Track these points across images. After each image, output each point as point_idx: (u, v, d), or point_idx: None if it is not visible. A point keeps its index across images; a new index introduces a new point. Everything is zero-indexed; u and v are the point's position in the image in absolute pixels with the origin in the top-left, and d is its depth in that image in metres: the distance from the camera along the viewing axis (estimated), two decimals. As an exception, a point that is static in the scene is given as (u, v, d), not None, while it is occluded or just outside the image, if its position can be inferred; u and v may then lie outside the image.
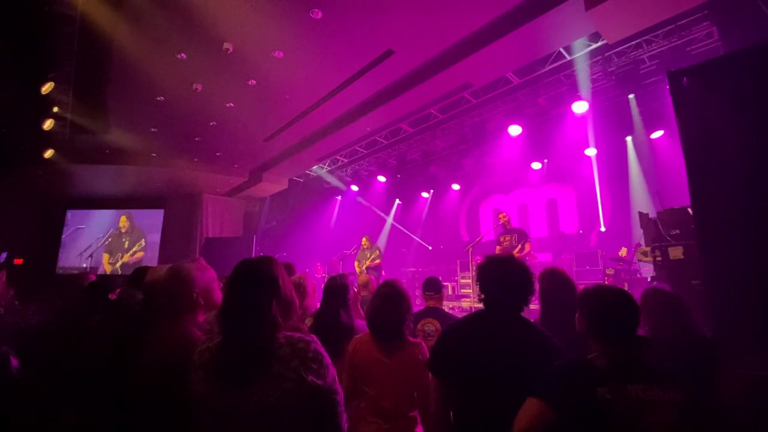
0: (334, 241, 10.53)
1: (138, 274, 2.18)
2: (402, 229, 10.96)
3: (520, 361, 1.41)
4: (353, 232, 10.24)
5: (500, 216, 5.69)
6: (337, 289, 2.25)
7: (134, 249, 9.75)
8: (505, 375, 1.41)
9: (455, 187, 9.99)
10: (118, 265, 9.64)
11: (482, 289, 1.57)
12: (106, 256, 9.74)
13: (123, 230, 9.92)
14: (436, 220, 10.78)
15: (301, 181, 10.46)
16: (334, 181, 10.30)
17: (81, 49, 4.16)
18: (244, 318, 1.19)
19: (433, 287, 2.64)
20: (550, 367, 1.28)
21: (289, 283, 1.29)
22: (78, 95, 4.96)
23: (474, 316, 1.59)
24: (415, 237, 10.72)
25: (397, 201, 11.30)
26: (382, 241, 10.78)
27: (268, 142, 7.44)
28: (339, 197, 11.17)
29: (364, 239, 6.74)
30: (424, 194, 10.59)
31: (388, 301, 1.83)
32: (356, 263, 6.76)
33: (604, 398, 1.18)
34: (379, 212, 10.83)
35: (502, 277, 1.53)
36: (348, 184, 10.24)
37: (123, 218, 9.96)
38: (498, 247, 5.69)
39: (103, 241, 9.73)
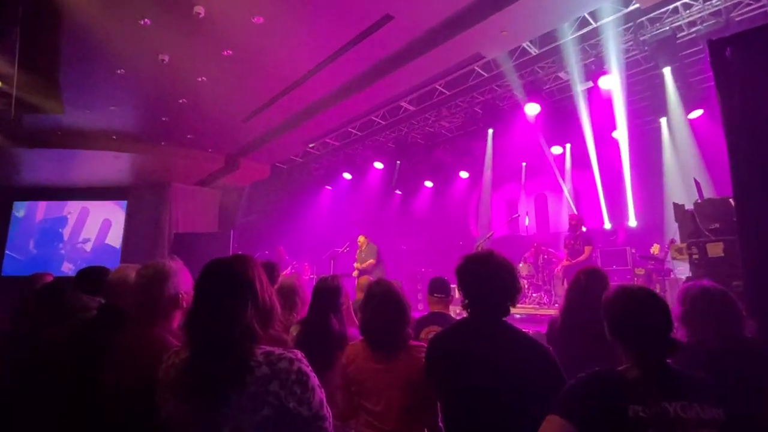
0: (324, 237, 10.52)
1: (89, 275, 2.09)
2: (402, 223, 11.09)
3: (504, 373, 1.42)
4: (346, 227, 10.26)
5: (571, 218, 5.96)
6: (327, 292, 2.25)
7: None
8: (488, 390, 1.42)
9: (463, 175, 10.05)
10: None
11: (463, 293, 1.58)
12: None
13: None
14: (441, 213, 10.82)
15: (286, 168, 10.45)
16: (319, 173, 10.31)
17: (26, 14, 4.10)
18: (213, 329, 1.17)
19: (439, 289, 2.65)
20: (575, 379, 1.24)
21: (269, 286, 1.28)
22: (24, 68, 4.87)
23: (459, 324, 1.62)
24: (417, 233, 10.96)
25: (397, 191, 11.35)
26: (380, 237, 10.76)
27: (247, 123, 7.39)
28: (329, 187, 11.14)
29: (360, 238, 6.78)
30: (428, 183, 10.54)
31: (382, 299, 1.84)
32: (356, 264, 6.85)
33: (638, 417, 1.14)
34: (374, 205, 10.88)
35: (479, 276, 1.54)
36: (340, 172, 10.23)
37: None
38: (565, 251, 6.01)
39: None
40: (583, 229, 6.13)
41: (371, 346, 1.82)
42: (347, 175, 10.09)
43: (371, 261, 6.54)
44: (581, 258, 5.62)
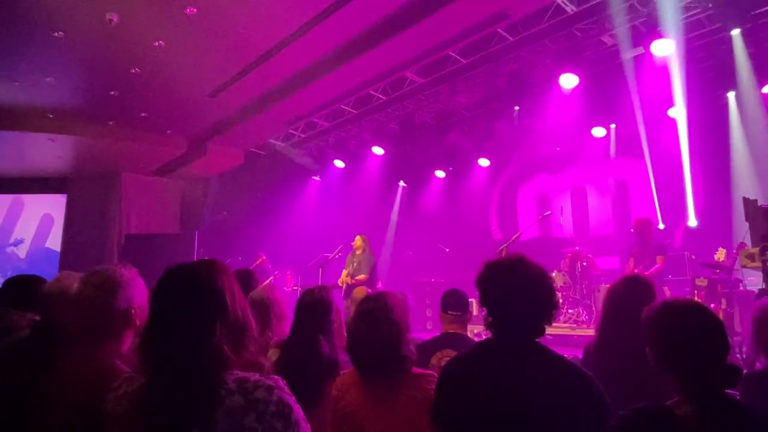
0: (310, 240, 10.58)
1: (19, 286, 2.08)
2: (408, 223, 11.13)
3: (542, 409, 1.40)
4: (338, 228, 10.27)
5: (638, 224, 6.07)
6: (314, 308, 2.27)
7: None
8: (523, 430, 1.41)
9: (483, 163, 10.08)
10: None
11: (487, 309, 1.59)
12: None
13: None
14: (456, 210, 10.84)
15: (264, 154, 10.47)
16: (304, 160, 10.36)
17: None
18: (174, 351, 1.18)
19: (455, 304, 2.68)
20: (617, 419, 1.25)
21: (242, 299, 1.29)
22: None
23: (480, 348, 1.62)
24: (426, 235, 11.01)
25: (401, 183, 11.37)
26: (380, 241, 10.89)
27: (216, 98, 7.39)
28: (317, 177, 11.13)
29: (358, 239, 6.79)
30: (439, 173, 10.58)
31: (371, 320, 1.84)
32: (344, 271, 6.86)
33: None
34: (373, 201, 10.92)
35: (508, 288, 1.55)
36: (330, 160, 10.27)
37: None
38: (631, 260, 6.11)
39: None
40: (661, 227, 6.17)
41: (360, 373, 1.82)
42: (339, 163, 10.10)
43: (363, 276, 6.54)
44: (654, 269, 5.71)
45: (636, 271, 5.70)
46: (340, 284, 6.72)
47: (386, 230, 11.21)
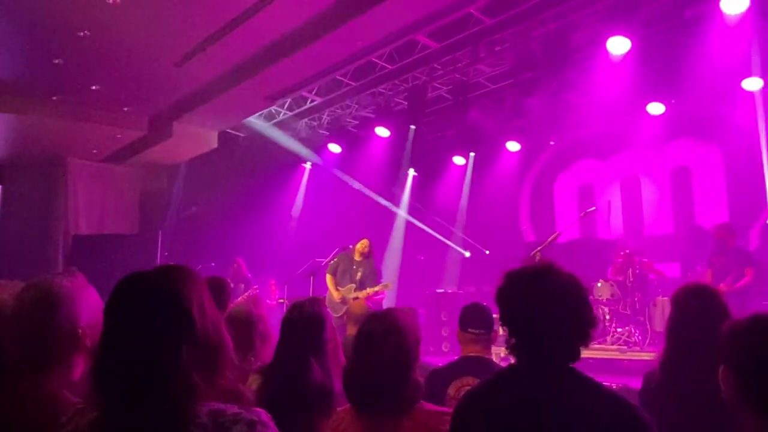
0: (299, 242, 10.58)
1: None
2: (417, 223, 11.12)
3: None
4: (333, 227, 10.29)
5: (718, 229, 6.20)
6: (305, 326, 2.31)
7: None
8: None
9: (512, 147, 10.06)
10: None
11: (509, 329, 1.61)
12: None
13: None
14: (478, 205, 10.88)
15: (242, 136, 10.55)
16: (292, 144, 10.44)
17: None
18: (133, 379, 1.19)
19: (477, 321, 2.72)
20: None
21: (215, 314, 1.31)
22: None
23: (503, 376, 1.64)
24: (440, 237, 10.91)
25: (411, 172, 11.40)
26: (385, 243, 10.86)
27: (183, 68, 7.42)
28: (308, 164, 11.16)
29: (361, 245, 6.79)
30: (458, 160, 10.64)
31: (373, 344, 1.86)
32: (331, 282, 6.84)
33: None
34: (377, 197, 10.95)
35: (532, 302, 1.56)
36: (324, 143, 10.32)
37: None
38: (709, 271, 6.20)
39: None
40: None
41: (356, 409, 1.83)
42: (335, 148, 10.16)
43: (369, 291, 6.59)
44: (742, 283, 5.81)
45: (721, 286, 5.68)
46: (337, 301, 6.70)
47: (391, 229, 11.24)
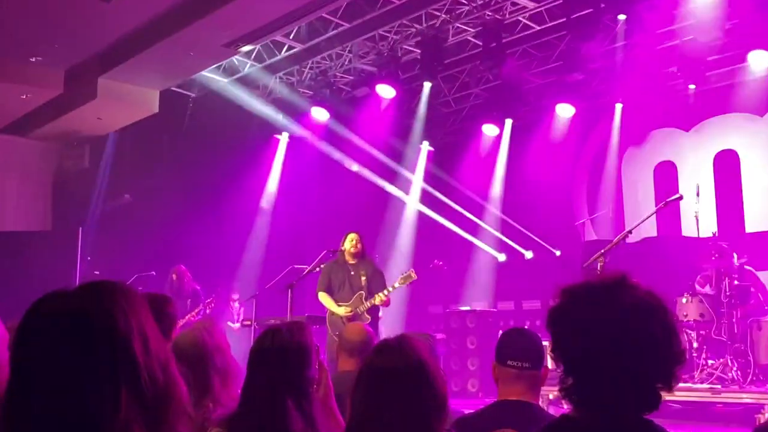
0: (272, 242, 10.59)
1: None
2: (434, 215, 11.10)
3: None
4: (318, 221, 10.30)
5: None
6: (281, 358, 2.32)
7: None
8: None
9: (564, 111, 10.04)
10: None
11: (564, 364, 1.64)
12: None
13: None
14: (517, 190, 10.88)
15: (192, 97, 10.57)
16: (262, 108, 10.37)
17: None
18: None
19: (519, 352, 2.73)
20: None
21: (160, 347, 1.31)
22: None
23: (557, 427, 1.67)
24: (466, 234, 10.93)
25: (426, 146, 11.44)
26: (387, 242, 10.88)
27: (111, 3, 7.40)
28: (282, 136, 11.19)
29: (350, 238, 6.78)
30: (489, 129, 10.69)
31: (385, 391, 1.88)
32: (327, 300, 6.86)
33: None
34: (378, 181, 10.93)
35: (602, 331, 1.59)
36: (305, 107, 10.26)
37: None
38: None
39: None
40: None
41: None
42: (320, 113, 10.15)
43: (388, 291, 6.72)
44: None
45: None
46: (344, 318, 6.69)
47: (398, 225, 11.23)
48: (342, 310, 6.75)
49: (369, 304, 6.68)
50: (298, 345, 2.35)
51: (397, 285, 6.69)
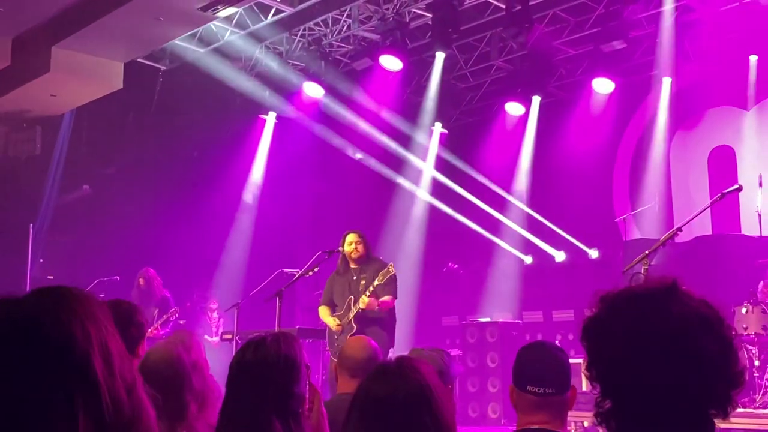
0: (257, 243, 10.63)
1: None
2: (447, 209, 11.15)
3: None
4: (312, 219, 10.29)
5: None
6: (266, 374, 2.35)
7: None
8: None
9: (603, 86, 9.99)
10: None
11: (602, 385, 1.64)
12: None
13: None
14: (546, 180, 10.96)
15: (163, 69, 10.59)
16: (245, 83, 10.33)
17: None
18: None
19: (543, 374, 2.74)
20: None
21: (125, 364, 1.30)
22: None
23: None
24: (484, 232, 10.96)
25: (438, 128, 11.49)
26: (395, 245, 10.89)
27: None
28: (269, 117, 11.28)
29: (348, 240, 6.77)
30: (515, 107, 10.70)
31: (384, 423, 1.90)
32: (326, 314, 6.94)
33: None
34: (382, 169, 10.89)
35: (647, 346, 1.59)
36: (297, 82, 10.28)
37: None
38: None
39: None
40: None
41: None
42: (314, 89, 10.20)
43: (389, 297, 6.73)
44: None
45: None
46: (334, 328, 6.78)
47: (407, 220, 11.28)
48: (332, 322, 6.79)
49: (356, 310, 6.69)
50: (285, 358, 2.35)
51: (376, 283, 6.65)
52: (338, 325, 6.73)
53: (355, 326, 6.64)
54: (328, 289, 7.05)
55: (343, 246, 6.89)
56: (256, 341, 2.41)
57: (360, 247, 6.84)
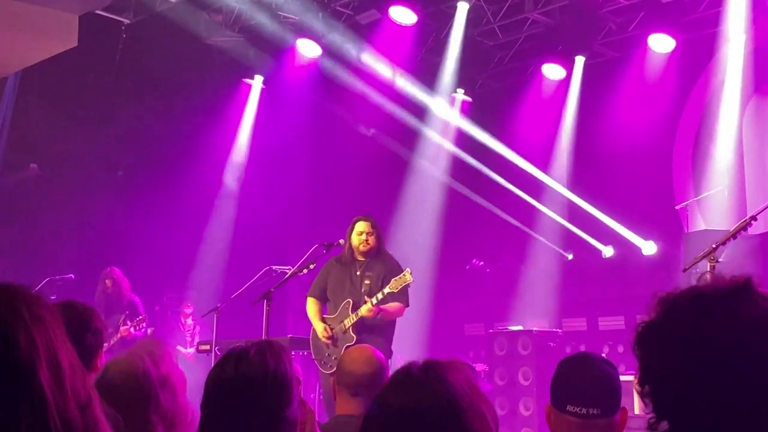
0: (239, 233, 10.73)
1: None
2: (470, 193, 11.21)
3: None
4: (308, 205, 10.32)
5: None
6: (249, 393, 2.36)
7: None
8: None
9: (660, 45, 10.06)
10: None
11: (657, 406, 1.64)
12: None
13: None
14: (591, 158, 10.99)
15: (126, 24, 10.54)
16: (226, 40, 10.21)
17: None
18: None
19: (584, 394, 2.76)
20: None
21: (77, 377, 1.33)
22: None
23: None
24: (515, 221, 11.00)
25: (460, 94, 11.55)
26: (406, 236, 10.95)
27: None
28: (255, 81, 11.34)
29: (358, 228, 6.77)
30: (553, 70, 10.78)
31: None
32: (314, 310, 7.00)
33: None
34: (392, 145, 10.80)
35: (717, 359, 1.59)
36: (288, 40, 10.31)
37: None
38: None
39: None
40: None
41: None
42: (308, 48, 10.29)
43: (397, 305, 6.76)
44: None
45: None
46: (324, 341, 6.82)
47: (418, 207, 11.28)
48: (320, 329, 6.83)
49: (355, 317, 6.71)
50: (273, 375, 2.35)
51: (387, 291, 6.65)
52: (328, 337, 6.76)
53: (354, 336, 6.68)
54: (321, 278, 7.07)
55: (350, 234, 6.93)
56: (236, 354, 2.40)
57: (372, 239, 6.85)
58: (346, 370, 3.67)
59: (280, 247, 7.98)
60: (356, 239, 6.85)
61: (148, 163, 10.63)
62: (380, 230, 7.03)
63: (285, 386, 2.37)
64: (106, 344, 4.74)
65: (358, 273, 6.84)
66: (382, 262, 6.87)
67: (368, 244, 6.85)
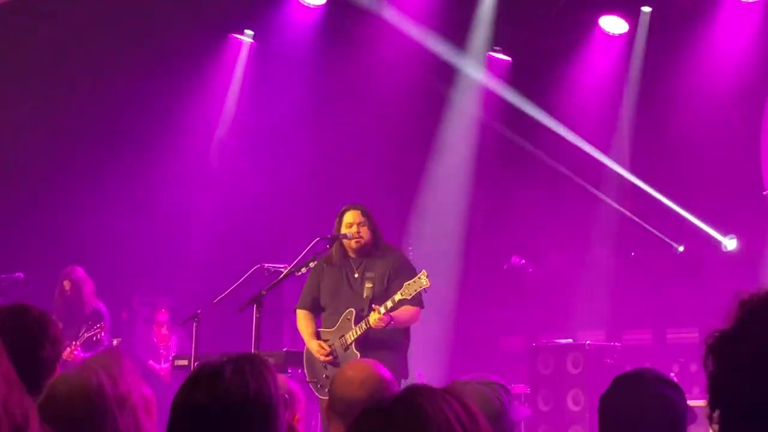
0: (224, 224, 10.87)
1: None
2: (509, 178, 11.14)
3: None
4: (304, 190, 10.37)
5: None
6: (223, 421, 2.40)
7: None
8: None
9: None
10: None
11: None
12: None
13: None
14: (658, 133, 11.06)
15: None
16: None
17: None
18: None
19: (637, 421, 2.78)
20: None
21: (14, 395, 1.34)
22: None
23: None
24: (564, 210, 10.92)
25: (496, 51, 11.63)
26: (425, 229, 11.08)
27: None
28: (245, 37, 11.44)
29: (347, 219, 7.03)
30: (612, 23, 10.83)
31: None
32: (305, 323, 7.15)
33: None
34: (412, 120, 10.85)
35: None
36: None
37: None
38: None
39: None
40: None
41: None
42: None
43: (411, 308, 6.82)
44: None
45: None
46: (321, 359, 6.92)
47: (448, 191, 11.28)
48: (314, 346, 6.89)
49: (359, 330, 6.76)
50: (255, 398, 2.34)
51: (398, 298, 6.68)
52: (326, 355, 6.84)
53: (358, 354, 6.73)
54: (311, 285, 7.18)
55: (338, 226, 7.04)
56: (209, 372, 2.39)
57: (364, 231, 6.90)
58: (337, 395, 3.63)
59: (273, 240, 7.99)
60: (346, 231, 6.99)
61: (113, 135, 10.67)
62: (374, 218, 7.07)
63: (269, 412, 2.37)
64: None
65: (356, 275, 6.90)
66: (382, 257, 6.94)
67: (360, 237, 6.95)
